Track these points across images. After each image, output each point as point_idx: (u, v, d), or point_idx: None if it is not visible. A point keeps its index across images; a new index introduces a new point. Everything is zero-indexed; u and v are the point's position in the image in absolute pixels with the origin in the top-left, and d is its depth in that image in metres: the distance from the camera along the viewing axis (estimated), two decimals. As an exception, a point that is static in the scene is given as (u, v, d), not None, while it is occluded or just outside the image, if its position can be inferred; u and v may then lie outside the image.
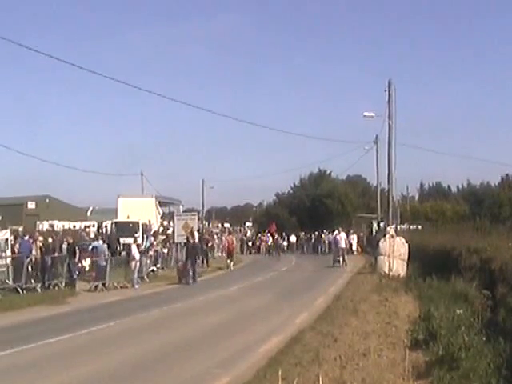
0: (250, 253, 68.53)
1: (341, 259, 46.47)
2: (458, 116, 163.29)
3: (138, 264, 32.68)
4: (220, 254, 58.05)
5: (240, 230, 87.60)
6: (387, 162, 40.52)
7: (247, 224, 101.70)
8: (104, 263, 31.72)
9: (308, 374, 11.55)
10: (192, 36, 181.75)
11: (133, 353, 15.68)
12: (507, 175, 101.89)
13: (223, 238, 59.33)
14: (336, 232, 53.24)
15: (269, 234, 70.03)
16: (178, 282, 34.30)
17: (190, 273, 34.90)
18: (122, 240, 41.84)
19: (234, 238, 57.18)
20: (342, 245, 47.33)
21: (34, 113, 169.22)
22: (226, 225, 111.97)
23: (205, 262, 48.21)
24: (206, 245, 52.83)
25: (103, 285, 31.04)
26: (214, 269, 47.00)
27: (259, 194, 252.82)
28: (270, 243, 67.32)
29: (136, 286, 31.93)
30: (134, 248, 33.25)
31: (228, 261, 48.25)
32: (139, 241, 38.42)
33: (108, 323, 20.17)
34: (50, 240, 32.97)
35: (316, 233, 69.69)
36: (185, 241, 46.72)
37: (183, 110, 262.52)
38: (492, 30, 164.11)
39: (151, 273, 37.29)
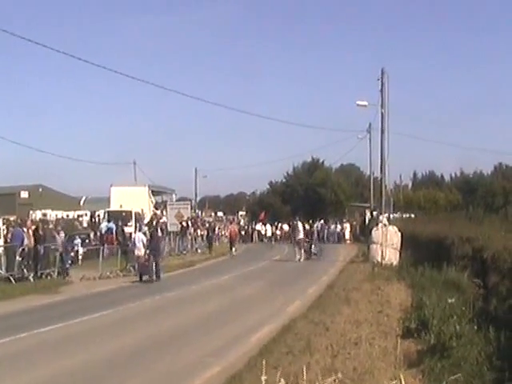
0: (244, 241, 68.58)
1: (298, 252, 42.18)
2: (452, 105, 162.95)
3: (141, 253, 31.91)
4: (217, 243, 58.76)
5: (233, 219, 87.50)
6: (380, 150, 40.45)
7: (240, 213, 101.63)
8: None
9: (299, 363, 11.55)
10: (188, 25, 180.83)
11: (125, 342, 15.71)
12: (500, 164, 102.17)
13: (228, 227, 61.09)
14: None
15: (260, 223, 70.29)
16: (138, 280, 30.25)
17: (153, 268, 30.69)
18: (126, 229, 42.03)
19: (236, 227, 58.09)
20: (301, 236, 43.42)
21: (28, 102, 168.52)
22: (220, 213, 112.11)
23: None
24: (213, 232, 55.59)
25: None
26: (219, 254, 49.04)
27: (253, 183, 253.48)
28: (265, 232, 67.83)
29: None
30: (138, 236, 32.73)
31: (230, 248, 50.01)
32: (131, 229, 38.52)
33: (101, 312, 20.18)
34: (42, 229, 32.78)
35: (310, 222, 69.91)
36: (177, 230, 47.09)
37: (176, 99, 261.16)
38: (489, 17, 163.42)
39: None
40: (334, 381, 5.59)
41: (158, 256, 31.87)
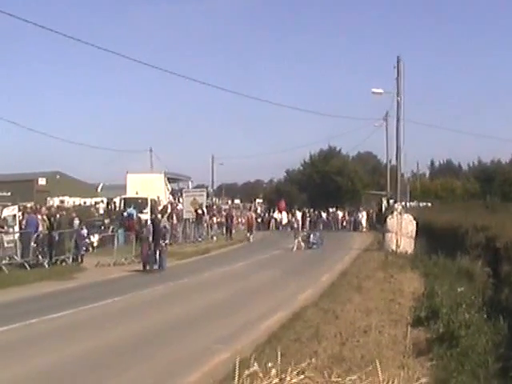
0: (260, 229, 68.53)
1: (295, 241, 41.07)
2: (469, 93, 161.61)
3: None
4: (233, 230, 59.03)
5: (250, 207, 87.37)
6: (396, 138, 40.36)
7: (257, 201, 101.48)
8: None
9: (306, 350, 11.53)
10: (197, 12, 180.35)
11: (135, 328, 15.79)
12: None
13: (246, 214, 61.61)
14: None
15: (278, 212, 70.20)
16: (142, 269, 29.15)
17: (157, 256, 29.52)
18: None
19: (253, 214, 58.36)
20: (295, 225, 43.38)
21: (44, 90, 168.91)
22: (237, 201, 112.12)
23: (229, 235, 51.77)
24: (231, 220, 54.76)
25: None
26: (236, 241, 49.35)
27: (270, 171, 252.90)
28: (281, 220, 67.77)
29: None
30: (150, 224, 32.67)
31: (248, 234, 50.49)
32: (147, 216, 38.53)
33: (113, 298, 20.30)
34: (58, 216, 32.87)
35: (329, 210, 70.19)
36: (193, 217, 47.12)
37: (193, 87, 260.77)
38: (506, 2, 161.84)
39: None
40: (308, 364, 5.52)
41: (160, 245, 29.86)
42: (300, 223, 43.01)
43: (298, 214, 43.86)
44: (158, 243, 29.72)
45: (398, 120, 39.61)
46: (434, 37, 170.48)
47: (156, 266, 29.24)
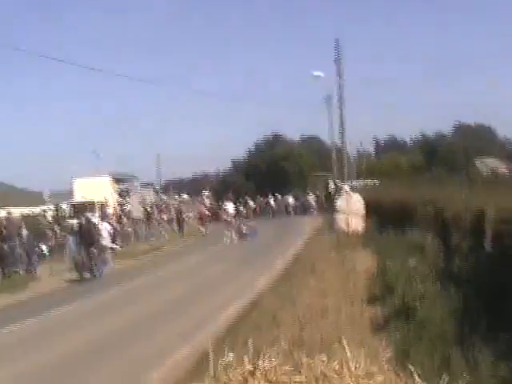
0: (210, 222, 68.45)
1: (228, 234, 40.19)
2: (406, 68, 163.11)
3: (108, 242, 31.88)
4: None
5: (199, 201, 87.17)
6: (340, 119, 40.75)
7: (205, 193, 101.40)
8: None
9: (266, 337, 11.56)
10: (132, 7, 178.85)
11: (93, 333, 15.72)
12: (459, 122, 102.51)
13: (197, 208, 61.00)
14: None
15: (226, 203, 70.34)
16: (79, 277, 27.15)
17: (91, 263, 27.27)
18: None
19: (204, 208, 58.30)
20: (228, 216, 42.45)
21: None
22: (184, 196, 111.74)
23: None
24: (181, 216, 55.05)
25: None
26: (188, 236, 49.35)
27: (217, 164, 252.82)
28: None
29: (112, 265, 31.52)
30: (103, 226, 32.69)
31: (200, 228, 49.97)
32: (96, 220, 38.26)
33: (67, 307, 20.13)
34: (6, 227, 32.42)
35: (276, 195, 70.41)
36: (142, 216, 46.88)
37: (128, 84, 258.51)
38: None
39: (111, 251, 37.00)
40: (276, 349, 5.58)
41: (92, 249, 27.50)
42: (232, 215, 42.09)
43: (229, 206, 43.03)
44: (88, 248, 27.36)
45: (340, 101, 40.02)
46: (372, 17, 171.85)
47: (88, 274, 27.13)
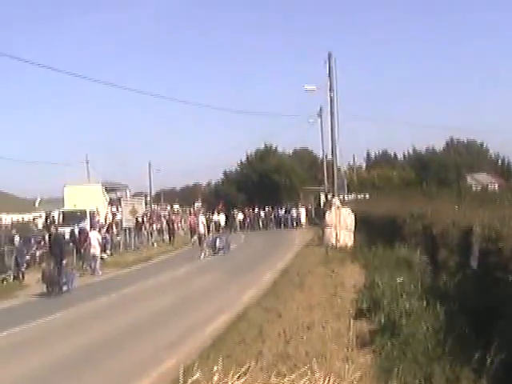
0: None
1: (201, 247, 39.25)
2: (398, 83, 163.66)
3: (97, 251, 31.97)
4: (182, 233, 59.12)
5: (190, 212, 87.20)
6: (330, 133, 40.84)
7: (196, 204, 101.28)
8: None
9: (252, 351, 11.59)
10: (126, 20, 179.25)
11: (79, 342, 15.65)
12: (451, 139, 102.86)
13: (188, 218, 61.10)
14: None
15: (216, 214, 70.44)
16: (46, 292, 25.04)
17: (63, 278, 25.48)
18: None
19: (195, 218, 58.30)
20: (201, 229, 41.25)
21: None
22: (176, 206, 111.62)
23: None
24: (172, 226, 55.98)
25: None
26: (178, 246, 49.58)
27: (208, 174, 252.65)
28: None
29: (99, 273, 31.62)
30: (93, 235, 32.72)
31: (191, 238, 48.31)
32: (88, 227, 38.20)
33: (55, 315, 20.03)
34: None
35: (266, 209, 70.62)
36: (131, 226, 46.76)
37: (124, 95, 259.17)
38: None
39: (101, 260, 36.92)
40: (248, 368, 5.63)
41: (61, 261, 25.82)
42: (205, 229, 41.20)
43: (202, 218, 42.07)
44: (57, 261, 25.65)
45: (331, 115, 40.13)
46: (365, 31, 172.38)
47: (57, 288, 25.03)
